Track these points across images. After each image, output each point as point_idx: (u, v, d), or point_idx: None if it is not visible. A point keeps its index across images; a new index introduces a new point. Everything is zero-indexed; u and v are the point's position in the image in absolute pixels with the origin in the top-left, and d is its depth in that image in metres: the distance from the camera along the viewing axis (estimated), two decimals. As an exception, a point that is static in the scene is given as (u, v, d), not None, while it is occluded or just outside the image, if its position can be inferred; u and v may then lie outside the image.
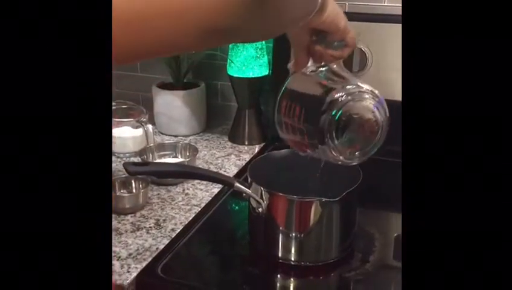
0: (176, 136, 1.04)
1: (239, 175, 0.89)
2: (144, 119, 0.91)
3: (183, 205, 0.80)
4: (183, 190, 0.84)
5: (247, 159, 0.95)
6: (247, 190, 0.66)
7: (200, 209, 0.78)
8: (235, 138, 1.01)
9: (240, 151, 0.98)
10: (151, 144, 0.91)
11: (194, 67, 1.05)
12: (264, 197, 0.65)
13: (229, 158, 0.95)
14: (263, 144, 1.00)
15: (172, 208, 0.78)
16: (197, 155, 0.89)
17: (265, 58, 0.97)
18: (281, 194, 0.64)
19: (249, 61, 0.95)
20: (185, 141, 1.01)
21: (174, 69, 1.01)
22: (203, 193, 0.83)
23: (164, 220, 0.76)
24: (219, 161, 0.95)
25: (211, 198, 0.81)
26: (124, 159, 0.93)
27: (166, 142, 0.99)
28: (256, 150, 0.98)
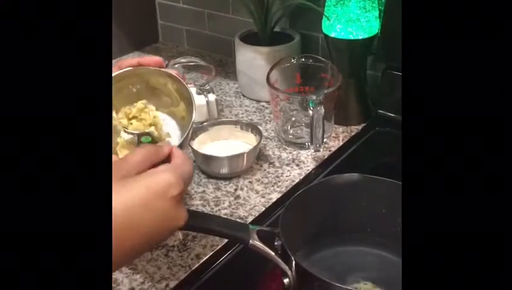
0: (258, 101, 1.13)
1: (317, 171, 0.93)
2: (207, 87, 0.98)
3: (231, 211, 0.84)
4: (235, 190, 0.90)
5: (336, 147, 0.99)
6: (269, 252, 0.63)
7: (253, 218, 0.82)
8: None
9: (329, 135, 1.01)
10: (215, 118, 0.98)
11: (288, 13, 1.10)
12: (293, 269, 0.63)
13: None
14: (363, 124, 1.05)
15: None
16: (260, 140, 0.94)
17: (375, 12, 0.98)
18: (321, 278, 0.60)
19: (350, 17, 0.97)
20: (250, 117, 1.07)
21: (259, 15, 1.07)
22: (259, 197, 0.88)
23: (194, 237, 0.80)
24: (294, 149, 0.98)
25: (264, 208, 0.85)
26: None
27: (225, 119, 1.06)
28: (353, 132, 1.03)
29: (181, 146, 0.70)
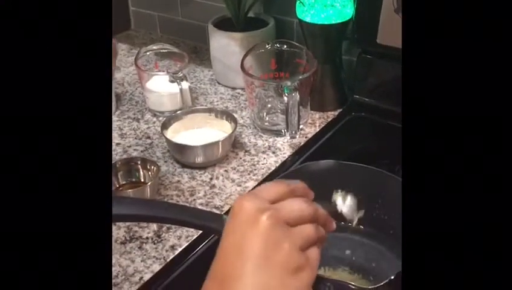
0: (233, 88, 1.14)
1: (293, 158, 0.94)
2: (180, 74, 0.99)
3: (207, 201, 0.86)
4: (211, 179, 0.91)
5: (312, 134, 1.01)
6: None
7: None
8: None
9: (305, 121, 1.03)
10: (189, 106, 0.99)
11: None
12: None
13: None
14: (339, 110, 1.06)
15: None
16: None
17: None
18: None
19: (325, 2, 0.98)
20: (226, 105, 1.08)
21: (233, 0, 1.07)
22: (235, 186, 0.89)
23: (169, 228, 0.80)
24: (270, 136, 1.00)
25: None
26: (162, 119, 1.03)
27: (199, 107, 1.07)
28: (330, 118, 1.05)
29: None
